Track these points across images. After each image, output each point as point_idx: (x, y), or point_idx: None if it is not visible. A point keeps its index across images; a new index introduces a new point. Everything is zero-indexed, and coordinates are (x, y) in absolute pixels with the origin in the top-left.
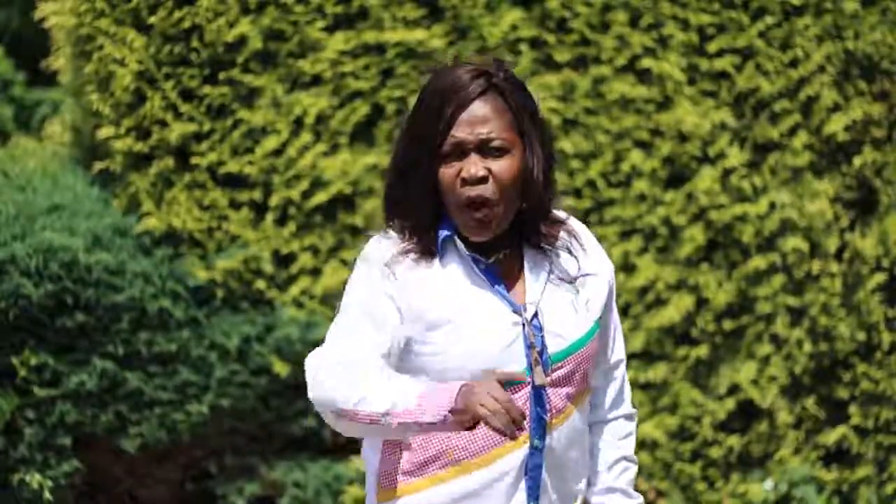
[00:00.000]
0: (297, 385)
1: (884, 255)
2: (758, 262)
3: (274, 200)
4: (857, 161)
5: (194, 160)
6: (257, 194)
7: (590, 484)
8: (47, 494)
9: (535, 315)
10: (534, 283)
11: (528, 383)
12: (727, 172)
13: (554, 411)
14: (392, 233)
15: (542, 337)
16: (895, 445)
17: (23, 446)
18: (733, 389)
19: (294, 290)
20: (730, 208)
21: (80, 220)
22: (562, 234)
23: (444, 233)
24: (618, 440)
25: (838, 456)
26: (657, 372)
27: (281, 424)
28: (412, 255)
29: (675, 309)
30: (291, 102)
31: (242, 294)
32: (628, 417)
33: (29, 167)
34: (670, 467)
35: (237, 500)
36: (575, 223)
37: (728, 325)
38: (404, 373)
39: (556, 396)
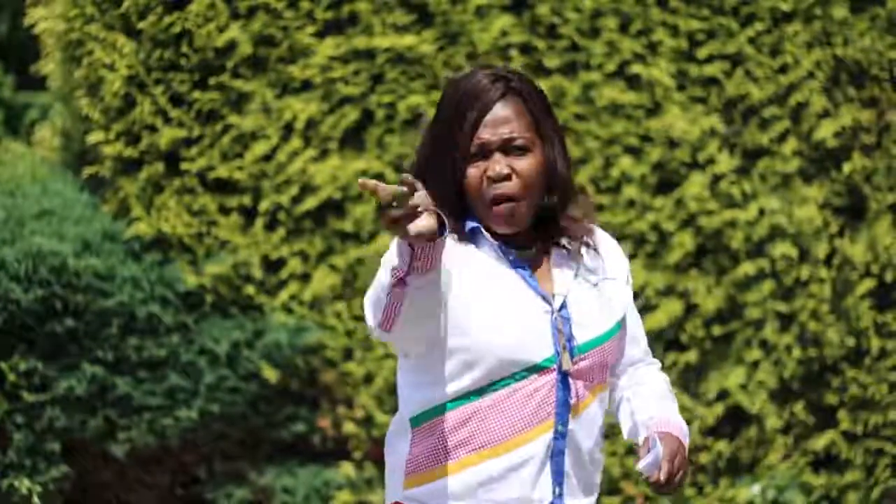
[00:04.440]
0: (287, 390)
1: (873, 260)
2: (747, 267)
3: (263, 206)
4: (846, 167)
5: (184, 165)
6: (247, 199)
7: (632, 415)
8: (36, 500)
9: (563, 305)
10: (561, 277)
11: (555, 369)
12: (717, 178)
13: (576, 401)
14: None
15: (570, 326)
16: (884, 451)
17: (12, 451)
18: (722, 395)
19: (283, 295)
20: (719, 214)
21: (70, 226)
22: (583, 236)
23: (471, 224)
24: (660, 380)
25: (827, 461)
26: None
27: (270, 430)
28: (454, 236)
29: (665, 314)
30: (281, 108)
31: (232, 299)
32: (665, 380)
33: (18, 172)
34: None
35: None
36: (595, 227)
37: (717, 330)
38: (429, 347)
39: (579, 385)
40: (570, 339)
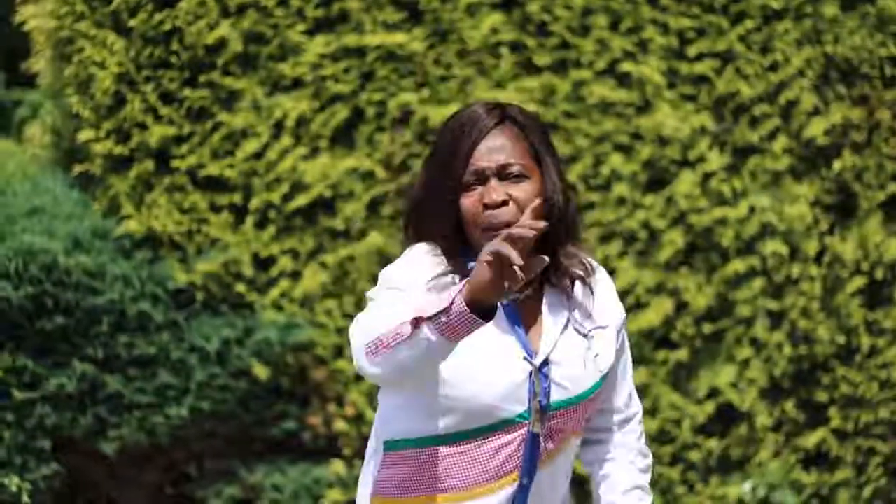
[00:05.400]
0: (277, 388)
1: (863, 258)
2: (737, 265)
3: (254, 203)
4: (836, 165)
5: (174, 163)
6: (237, 197)
7: None
8: (26, 497)
9: (546, 363)
10: (550, 329)
11: (526, 425)
12: (707, 176)
13: (544, 455)
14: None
15: (548, 387)
16: (874, 448)
17: (2, 449)
18: (713, 393)
19: (274, 293)
20: (709, 212)
21: (60, 223)
22: (578, 272)
23: (472, 263)
24: (636, 471)
25: (817, 459)
26: (637, 375)
27: (260, 428)
28: (449, 277)
29: (655, 312)
30: (271, 105)
31: (222, 297)
32: (644, 455)
33: (8, 170)
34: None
35: (216, 502)
36: (595, 266)
37: (707, 328)
38: (407, 391)
39: (547, 441)
40: (545, 400)
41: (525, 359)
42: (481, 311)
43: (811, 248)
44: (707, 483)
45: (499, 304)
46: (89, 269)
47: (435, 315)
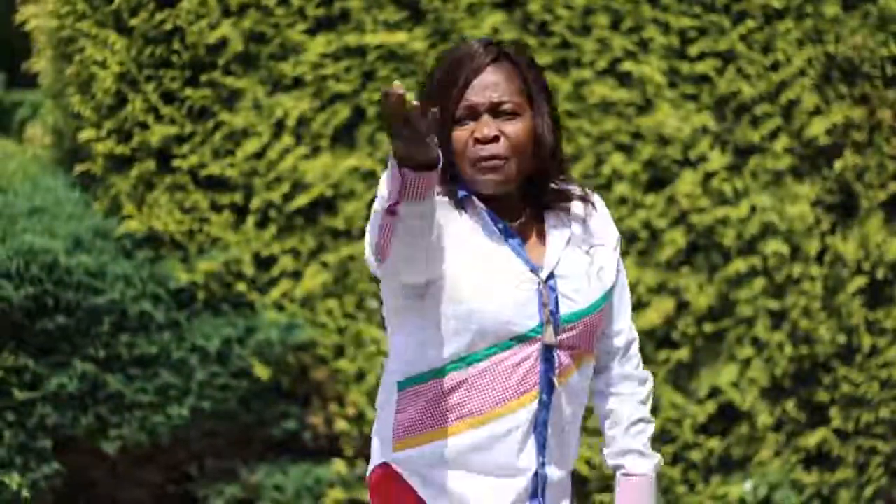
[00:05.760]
0: (278, 388)
1: (864, 258)
2: (738, 265)
3: (255, 203)
4: (837, 164)
5: (175, 162)
6: (238, 197)
7: (607, 445)
8: (27, 496)
9: (551, 276)
10: (553, 245)
11: (539, 340)
12: (708, 176)
13: (560, 369)
14: None
15: (556, 298)
16: (875, 448)
17: (2, 449)
18: (714, 392)
19: (275, 292)
20: (711, 212)
21: (61, 223)
22: (576, 201)
23: (462, 192)
24: (635, 403)
25: (818, 459)
26: None
27: (261, 427)
28: (439, 196)
29: (656, 312)
30: (272, 105)
31: (223, 296)
32: (642, 382)
33: (9, 169)
34: None
35: (217, 502)
36: (590, 191)
37: (709, 328)
38: (414, 314)
39: (562, 356)
40: (554, 311)
41: (532, 272)
42: (423, 163)
43: (812, 247)
44: (708, 483)
45: (496, 227)
46: (90, 269)
47: (397, 193)
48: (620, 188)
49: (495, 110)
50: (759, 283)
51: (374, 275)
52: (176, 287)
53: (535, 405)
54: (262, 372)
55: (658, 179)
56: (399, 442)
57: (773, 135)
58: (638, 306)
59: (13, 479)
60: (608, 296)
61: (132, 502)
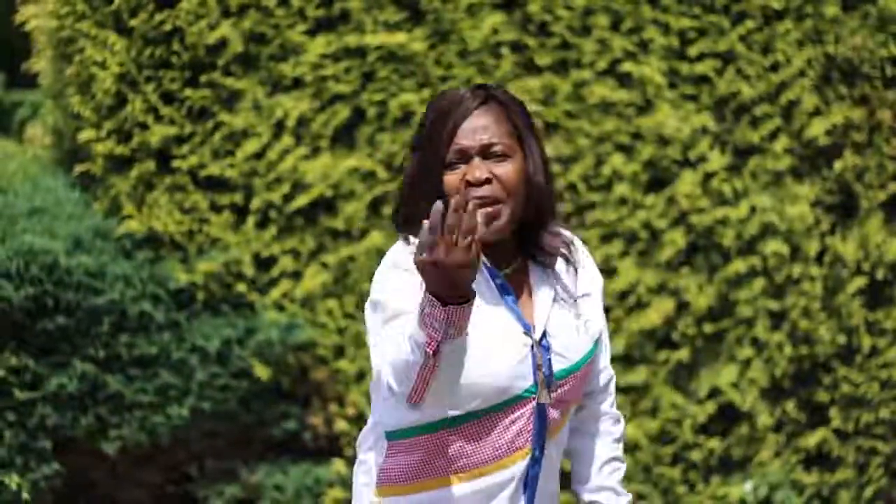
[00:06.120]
0: (278, 388)
1: (864, 258)
2: (738, 265)
3: (255, 203)
4: (837, 165)
5: (175, 163)
6: (238, 197)
7: (580, 482)
8: (27, 497)
9: (544, 335)
10: (541, 302)
11: (534, 399)
12: (708, 176)
13: (552, 426)
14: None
15: (549, 358)
16: (875, 449)
17: (2, 449)
18: (714, 392)
19: (275, 293)
20: (710, 212)
21: (61, 223)
22: (561, 249)
23: None
24: (610, 442)
25: (818, 459)
26: (638, 375)
27: (261, 428)
28: None
29: (656, 312)
30: (272, 105)
31: (223, 297)
32: (616, 421)
33: (9, 170)
34: (651, 470)
35: (217, 503)
36: (574, 238)
37: (708, 328)
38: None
39: (553, 412)
40: (548, 371)
41: (525, 333)
42: (459, 295)
43: (812, 248)
44: (708, 483)
45: (492, 283)
46: (90, 269)
47: (442, 333)
48: (620, 189)
49: (485, 153)
50: (759, 283)
51: (400, 402)
52: (176, 287)
53: (526, 461)
54: (262, 372)
55: (658, 180)
56: (385, 487)
57: (773, 135)
58: (638, 306)
59: (13, 480)
60: (597, 345)
61: (132, 503)
